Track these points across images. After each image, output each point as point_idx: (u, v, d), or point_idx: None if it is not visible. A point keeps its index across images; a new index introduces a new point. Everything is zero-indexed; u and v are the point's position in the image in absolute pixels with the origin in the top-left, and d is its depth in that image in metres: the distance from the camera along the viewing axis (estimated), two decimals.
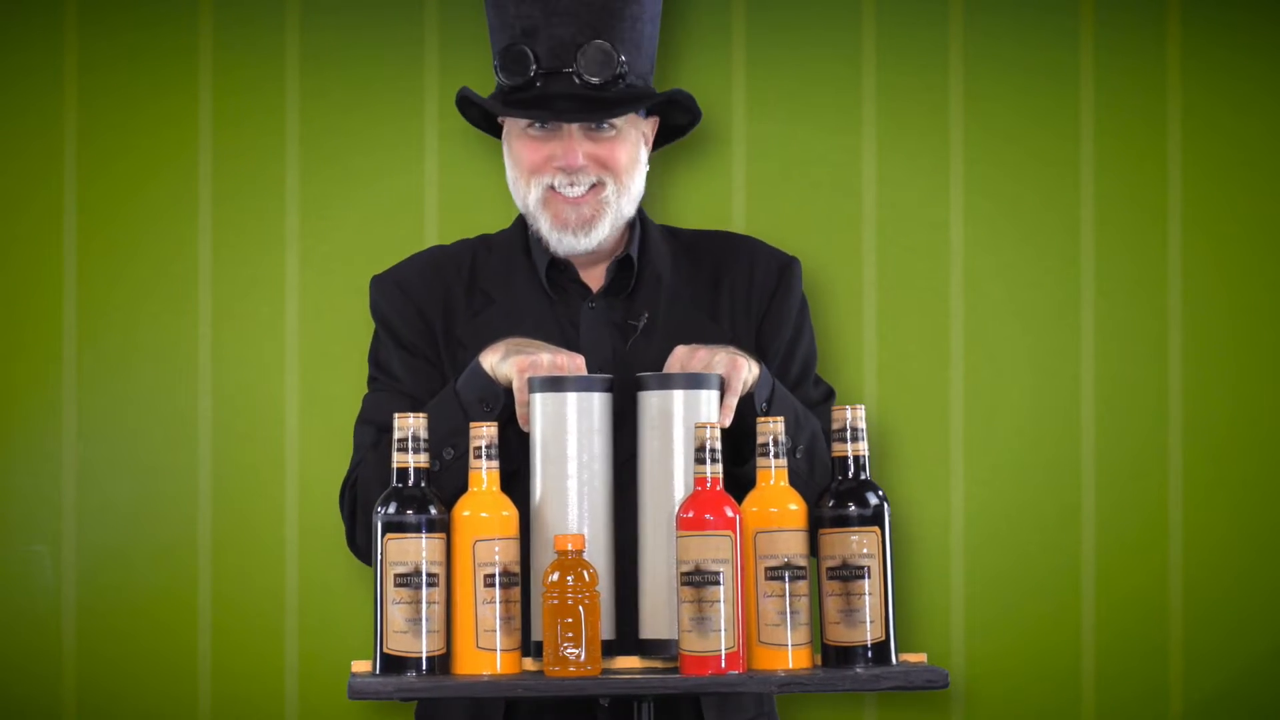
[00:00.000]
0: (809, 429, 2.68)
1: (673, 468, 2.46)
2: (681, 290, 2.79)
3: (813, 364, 2.86)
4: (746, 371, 2.56)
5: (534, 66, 2.70)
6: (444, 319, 2.80)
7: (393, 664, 2.41)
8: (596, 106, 2.69)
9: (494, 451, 2.44)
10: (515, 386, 2.54)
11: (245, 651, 4.02)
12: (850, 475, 2.47)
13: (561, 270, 2.79)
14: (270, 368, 4.04)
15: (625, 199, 2.75)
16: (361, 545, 2.70)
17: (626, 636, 2.51)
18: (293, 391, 4.04)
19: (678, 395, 2.47)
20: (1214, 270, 4.13)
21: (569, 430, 2.45)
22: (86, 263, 4.03)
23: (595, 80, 2.69)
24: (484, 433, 2.44)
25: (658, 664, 2.47)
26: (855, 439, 2.47)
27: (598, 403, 2.46)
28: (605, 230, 2.75)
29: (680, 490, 2.45)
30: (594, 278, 2.80)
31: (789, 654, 2.43)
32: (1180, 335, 4.12)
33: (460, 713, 2.71)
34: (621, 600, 2.50)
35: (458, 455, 2.56)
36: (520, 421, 2.54)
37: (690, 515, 2.40)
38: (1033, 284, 4.12)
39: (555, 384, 2.47)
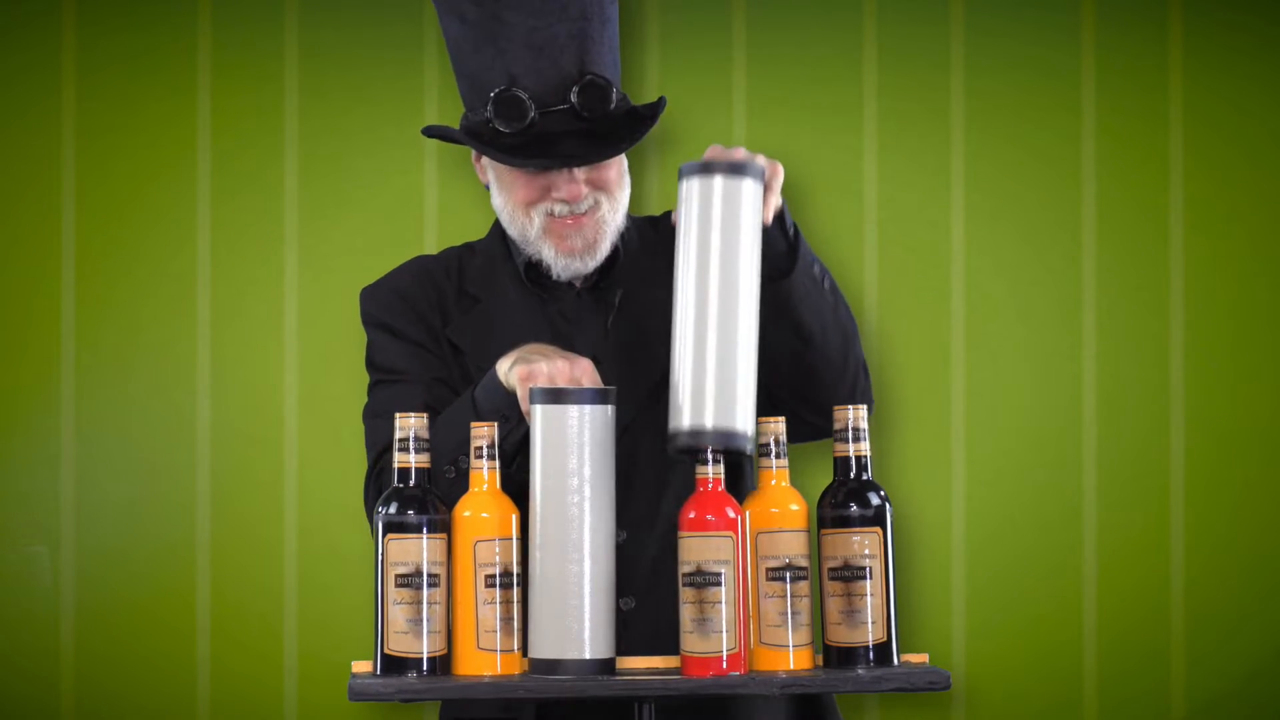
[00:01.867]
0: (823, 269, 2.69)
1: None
2: (651, 265, 2.78)
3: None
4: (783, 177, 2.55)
5: (531, 110, 2.67)
6: (440, 319, 2.80)
7: (393, 665, 2.40)
8: (602, 143, 2.68)
9: (494, 451, 2.44)
10: (519, 396, 2.53)
11: (244, 652, 4.01)
12: (852, 475, 2.46)
13: (541, 269, 2.78)
14: (269, 368, 4.04)
15: (619, 213, 2.75)
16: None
17: (630, 650, 2.50)
18: (291, 391, 4.04)
19: (718, 181, 2.46)
20: (1215, 269, 4.12)
21: (569, 442, 2.44)
22: (85, 263, 4.03)
23: (591, 114, 2.68)
24: (484, 433, 2.44)
25: (659, 664, 2.47)
26: (857, 439, 2.47)
27: (598, 415, 2.45)
28: (606, 248, 2.75)
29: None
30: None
31: (790, 655, 2.42)
32: (1182, 334, 4.11)
33: (492, 708, 2.70)
34: (622, 610, 2.50)
35: (463, 464, 2.55)
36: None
37: (692, 516, 2.39)
38: (1034, 283, 4.11)
39: (555, 395, 2.45)
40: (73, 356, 4.02)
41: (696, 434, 2.40)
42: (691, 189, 2.47)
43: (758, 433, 2.45)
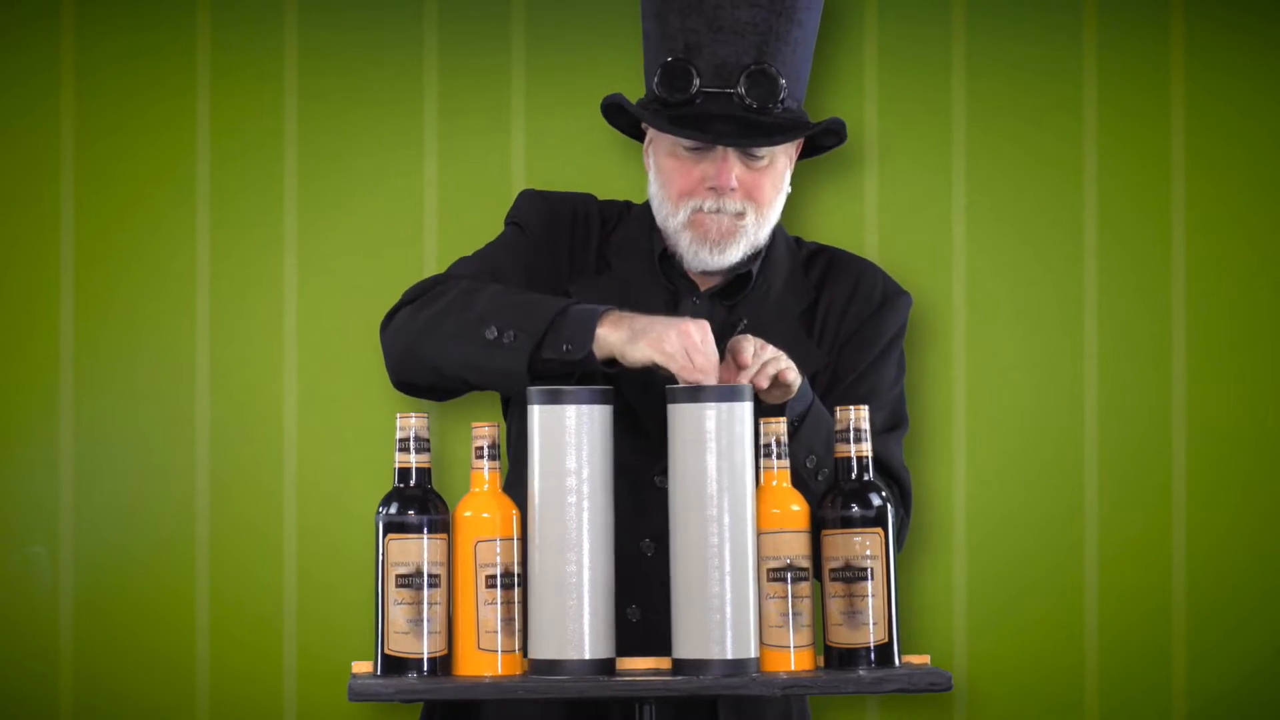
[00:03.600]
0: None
1: (706, 484, 2.43)
2: (788, 306, 2.77)
3: (896, 407, 2.80)
4: (780, 365, 2.54)
5: (696, 83, 2.66)
6: (569, 262, 2.77)
7: (394, 665, 2.40)
8: (756, 131, 2.66)
9: (495, 452, 2.43)
10: (630, 360, 2.50)
11: (244, 652, 4.01)
12: (853, 476, 2.46)
13: (672, 262, 2.76)
14: (269, 368, 4.04)
15: (764, 228, 2.73)
16: (398, 326, 2.68)
17: (626, 652, 2.49)
18: (291, 392, 4.04)
19: (709, 409, 2.45)
20: (1217, 269, 4.12)
21: (567, 443, 2.43)
22: (84, 263, 4.03)
23: (756, 105, 2.66)
24: (484, 433, 2.43)
25: (662, 664, 2.46)
26: (858, 440, 2.46)
27: (596, 415, 2.44)
28: (739, 254, 2.72)
29: (714, 507, 2.42)
30: (701, 279, 2.77)
31: (791, 656, 2.42)
32: (1184, 334, 4.11)
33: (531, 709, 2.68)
34: (623, 614, 2.49)
35: (506, 339, 2.54)
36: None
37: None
38: (1035, 283, 4.11)
39: (554, 396, 2.45)
40: (72, 357, 4.02)
41: None
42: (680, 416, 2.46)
43: (760, 434, 2.45)
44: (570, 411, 2.42)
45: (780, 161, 2.73)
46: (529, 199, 2.84)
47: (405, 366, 2.66)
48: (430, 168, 4.07)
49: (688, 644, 2.40)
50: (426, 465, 2.44)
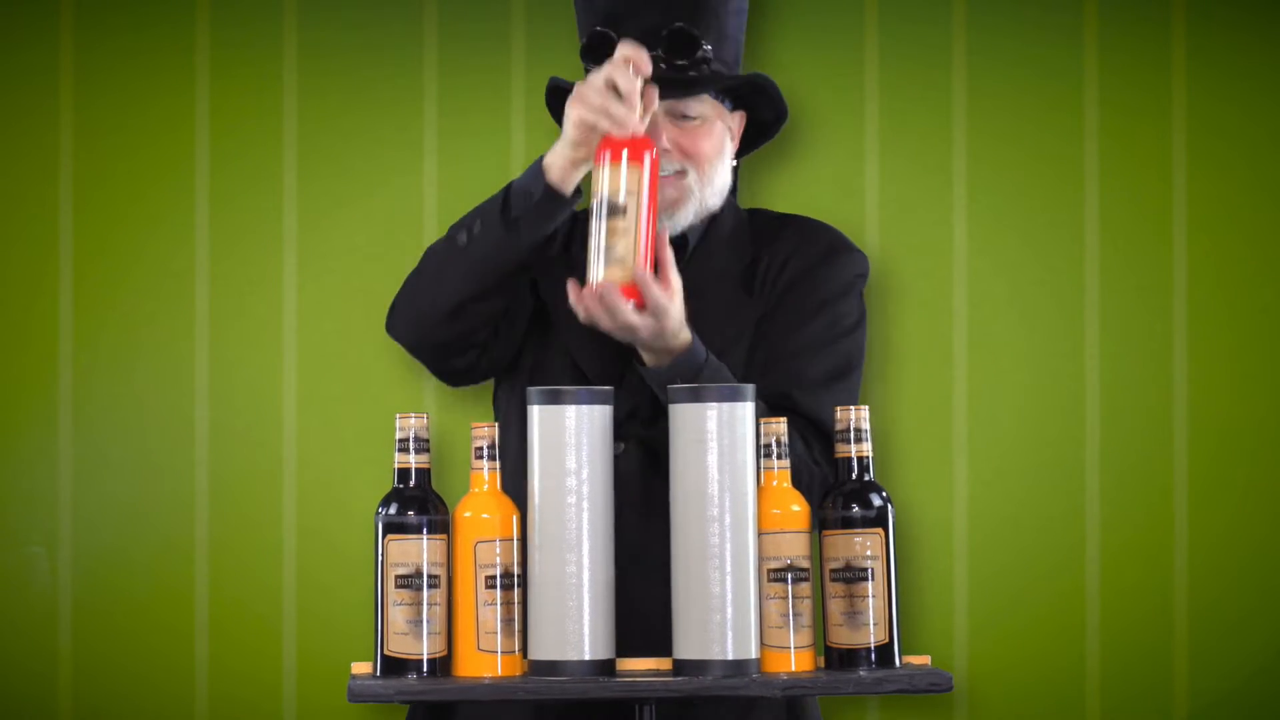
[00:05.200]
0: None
1: (707, 484, 2.43)
2: (729, 269, 2.76)
3: (838, 360, 2.77)
4: (647, 333, 2.54)
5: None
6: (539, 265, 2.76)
7: (393, 666, 2.40)
8: (677, 85, 2.67)
9: (494, 452, 2.43)
10: (591, 117, 2.52)
11: (243, 652, 4.01)
12: (854, 476, 2.46)
13: None
14: (268, 368, 4.03)
15: (709, 190, 2.73)
16: (396, 306, 2.71)
17: (629, 651, 2.49)
18: (290, 392, 4.03)
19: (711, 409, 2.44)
20: (1218, 269, 4.12)
21: (567, 443, 2.43)
22: (83, 263, 4.02)
23: (679, 63, 2.66)
24: (484, 433, 2.43)
25: (662, 664, 2.46)
26: (859, 440, 2.46)
27: (595, 415, 2.44)
28: (688, 217, 2.72)
29: (715, 507, 2.42)
30: None
31: (792, 656, 2.41)
32: (1185, 334, 4.11)
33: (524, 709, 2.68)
34: (624, 615, 2.49)
35: (477, 229, 2.59)
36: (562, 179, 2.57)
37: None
38: (1036, 283, 4.11)
39: (554, 396, 2.44)
40: (71, 356, 4.01)
41: None
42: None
43: (760, 434, 2.45)
44: (570, 412, 2.42)
45: (716, 125, 2.73)
46: None
47: (422, 329, 2.68)
48: (430, 168, 4.06)
49: (688, 644, 2.40)
50: (426, 466, 2.43)
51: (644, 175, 2.54)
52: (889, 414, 4.05)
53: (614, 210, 2.54)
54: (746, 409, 2.41)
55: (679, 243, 2.75)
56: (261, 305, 4.04)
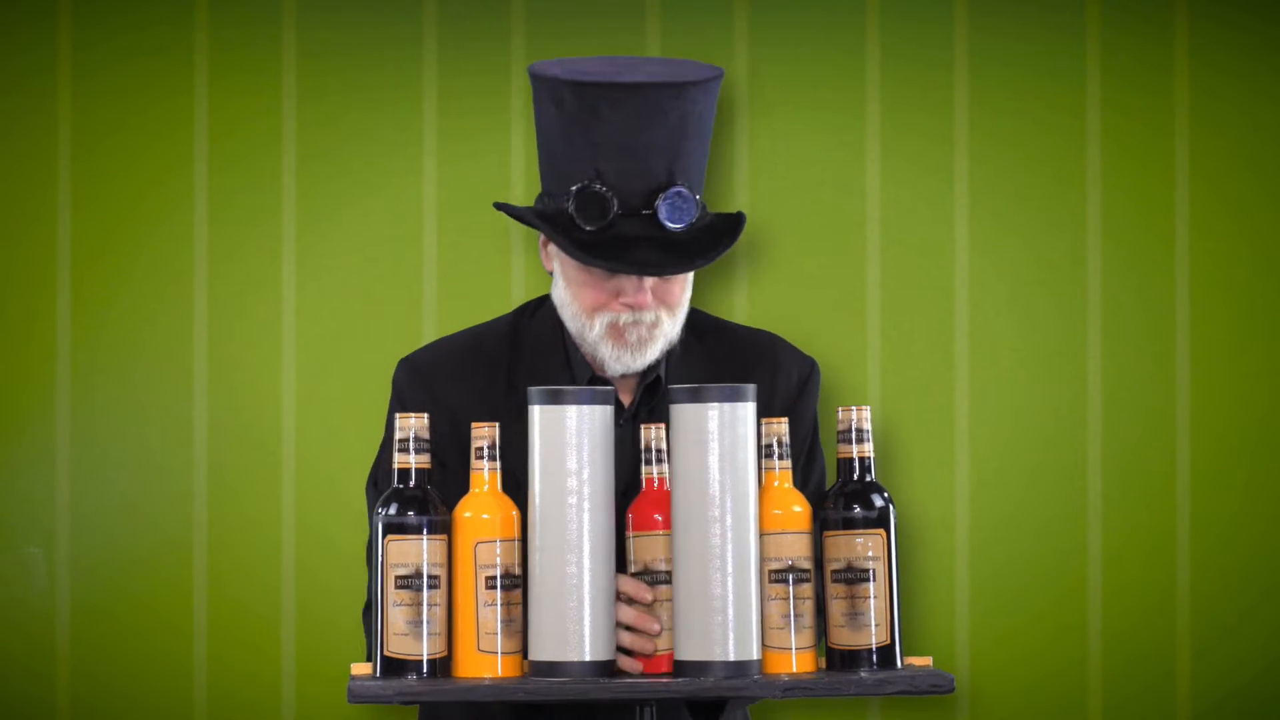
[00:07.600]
0: None
1: (708, 486, 2.42)
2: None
3: (821, 458, 2.84)
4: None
5: (613, 212, 2.64)
6: (481, 405, 2.72)
7: (393, 667, 2.39)
8: (678, 253, 2.65)
9: (495, 452, 2.42)
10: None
11: (242, 653, 4.01)
12: (855, 477, 2.45)
13: (585, 368, 2.76)
14: (267, 368, 4.03)
15: (678, 325, 2.74)
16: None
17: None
18: (289, 393, 4.03)
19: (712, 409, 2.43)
20: (1220, 269, 4.12)
21: (567, 443, 2.42)
22: (82, 263, 4.02)
23: (676, 226, 2.65)
24: (485, 433, 2.43)
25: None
26: (860, 440, 2.46)
27: (596, 415, 2.43)
28: (656, 354, 2.72)
29: (716, 508, 2.42)
30: (625, 393, 2.77)
31: (793, 657, 2.41)
32: (1187, 335, 4.11)
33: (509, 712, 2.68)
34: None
35: None
36: None
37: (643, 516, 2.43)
38: (1038, 283, 4.11)
39: (554, 396, 2.44)
40: (69, 357, 4.01)
41: None
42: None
43: (762, 434, 2.45)
44: (570, 412, 2.42)
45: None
46: (406, 375, 2.79)
47: None
48: (430, 168, 4.06)
49: (689, 645, 2.39)
50: (426, 466, 2.43)
51: None
52: (890, 414, 4.05)
53: None
54: (748, 409, 2.41)
55: (653, 385, 2.75)
56: (260, 305, 4.04)
